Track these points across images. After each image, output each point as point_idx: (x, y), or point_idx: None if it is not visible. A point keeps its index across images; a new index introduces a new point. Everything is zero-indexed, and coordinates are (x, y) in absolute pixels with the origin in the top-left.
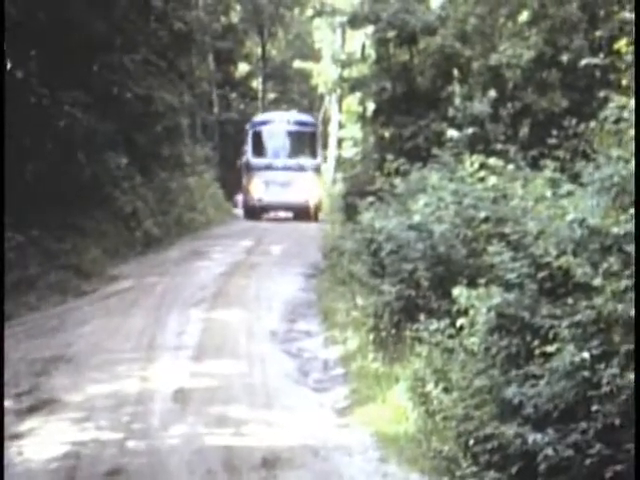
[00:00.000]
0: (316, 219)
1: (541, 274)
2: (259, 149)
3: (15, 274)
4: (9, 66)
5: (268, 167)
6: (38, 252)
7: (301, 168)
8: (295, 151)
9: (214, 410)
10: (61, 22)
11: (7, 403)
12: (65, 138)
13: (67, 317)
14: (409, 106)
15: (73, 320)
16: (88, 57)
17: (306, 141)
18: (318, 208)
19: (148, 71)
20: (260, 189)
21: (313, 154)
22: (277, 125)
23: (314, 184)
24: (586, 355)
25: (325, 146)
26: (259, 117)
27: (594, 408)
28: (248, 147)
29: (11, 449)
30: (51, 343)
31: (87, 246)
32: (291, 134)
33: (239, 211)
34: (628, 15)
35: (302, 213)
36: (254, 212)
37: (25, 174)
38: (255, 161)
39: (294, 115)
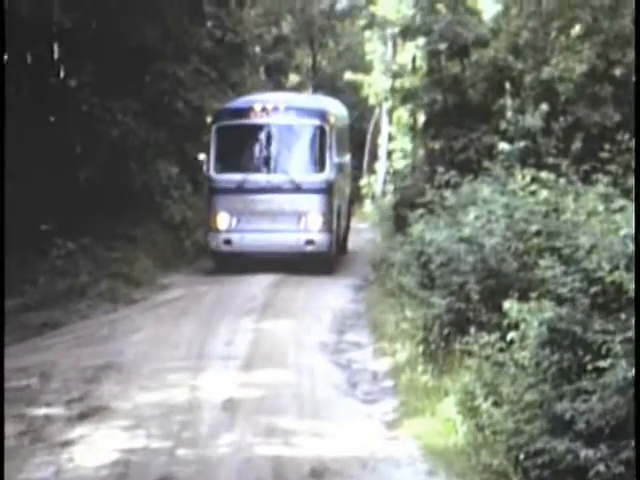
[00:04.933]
0: (333, 264)
1: (593, 289)
2: (227, 157)
3: (66, 282)
4: (62, 75)
5: (241, 188)
6: (89, 260)
7: (297, 189)
8: (288, 159)
9: (263, 420)
10: (114, 32)
11: (58, 410)
12: (118, 147)
13: (117, 325)
14: (460, 118)
15: (123, 328)
16: (140, 66)
17: (308, 142)
18: (342, 247)
19: (199, 81)
20: (227, 224)
21: (320, 164)
22: (258, 116)
23: (321, 214)
24: None
25: (375, 158)
26: (232, 103)
27: None
28: (210, 154)
29: (62, 456)
30: (101, 351)
31: (137, 255)
32: (282, 131)
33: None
34: None
35: (303, 262)
36: (221, 261)
37: (77, 182)
38: (220, 178)
39: (290, 99)
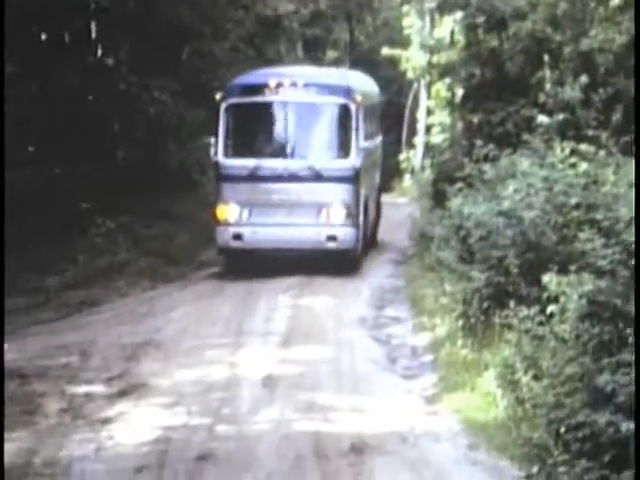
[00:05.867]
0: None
1: (633, 261)
2: (237, 140)
3: (105, 260)
4: (99, 53)
5: (253, 176)
6: (127, 238)
7: (318, 177)
8: (308, 143)
9: (302, 396)
10: (150, 10)
11: (97, 388)
12: (155, 125)
13: (156, 303)
14: (498, 92)
15: (162, 306)
16: (177, 45)
17: (330, 123)
18: (371, 241)
19: (236, 58)
20: (238, 216)
21: (344, 149)
22: (273, 93)
23: (345, 206)
24: None
25: (414, 132)
26: (244, 77)
27: None
28: (218, 137)
29: (102, 433)
30: (140, 328)
31: (175, 232)
32: (301, 110)
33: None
34: None
35: (325, 260)
36: (231, 260)
37: (115, 161)
38: (230, 164)
39: (310, 73)
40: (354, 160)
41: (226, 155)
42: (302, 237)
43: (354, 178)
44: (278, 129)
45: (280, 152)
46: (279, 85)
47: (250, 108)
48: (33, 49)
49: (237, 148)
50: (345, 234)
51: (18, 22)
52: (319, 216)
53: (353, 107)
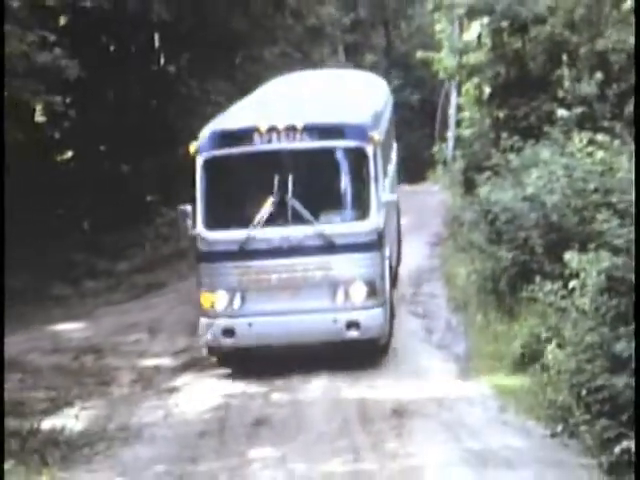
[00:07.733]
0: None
1: None
2: (222, 205)
3: (169, 247)
4: (162, 61)
5: (244, 251)
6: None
7: (330, 247)
8: (313, 204)
9: (347, 367)
10: (207, 21)
11: (165, 361)
12: None
13: None
14: (522, 89)
15: None
16: (231, 51)
17: (342, 176)
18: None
19: (285, 62)
20: (227, 305)
21: (361, 207)
22: (265, 140)
23: (366, 282)
24: None
25: (446, 126)
26: (223, 119)
27: None
28: (197, 201)
29: (169, 402)
30: None
31: None
32: (302, 160)
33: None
34: None
35: (343, 355)
36: (224, 361)
37: (176, 157)
38: (214, 237)
39: (311, 109)
40: (375, 220)
41: (208, 226)
42: (313, 327)
43: (376, 243)
44: (274, 187)
45: (278, 218)
46: (272, 129)
47: (235, 162)
48: (103, 59)
49: (222, 216)
50: (369, 318)
51: (90, 34)
52: (334, 298)
53: (370, 150)
